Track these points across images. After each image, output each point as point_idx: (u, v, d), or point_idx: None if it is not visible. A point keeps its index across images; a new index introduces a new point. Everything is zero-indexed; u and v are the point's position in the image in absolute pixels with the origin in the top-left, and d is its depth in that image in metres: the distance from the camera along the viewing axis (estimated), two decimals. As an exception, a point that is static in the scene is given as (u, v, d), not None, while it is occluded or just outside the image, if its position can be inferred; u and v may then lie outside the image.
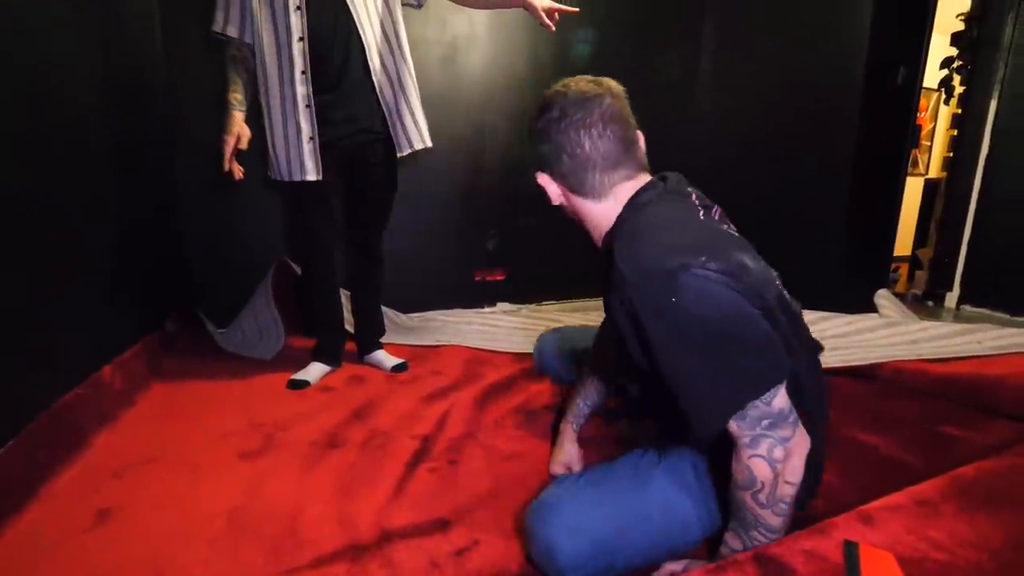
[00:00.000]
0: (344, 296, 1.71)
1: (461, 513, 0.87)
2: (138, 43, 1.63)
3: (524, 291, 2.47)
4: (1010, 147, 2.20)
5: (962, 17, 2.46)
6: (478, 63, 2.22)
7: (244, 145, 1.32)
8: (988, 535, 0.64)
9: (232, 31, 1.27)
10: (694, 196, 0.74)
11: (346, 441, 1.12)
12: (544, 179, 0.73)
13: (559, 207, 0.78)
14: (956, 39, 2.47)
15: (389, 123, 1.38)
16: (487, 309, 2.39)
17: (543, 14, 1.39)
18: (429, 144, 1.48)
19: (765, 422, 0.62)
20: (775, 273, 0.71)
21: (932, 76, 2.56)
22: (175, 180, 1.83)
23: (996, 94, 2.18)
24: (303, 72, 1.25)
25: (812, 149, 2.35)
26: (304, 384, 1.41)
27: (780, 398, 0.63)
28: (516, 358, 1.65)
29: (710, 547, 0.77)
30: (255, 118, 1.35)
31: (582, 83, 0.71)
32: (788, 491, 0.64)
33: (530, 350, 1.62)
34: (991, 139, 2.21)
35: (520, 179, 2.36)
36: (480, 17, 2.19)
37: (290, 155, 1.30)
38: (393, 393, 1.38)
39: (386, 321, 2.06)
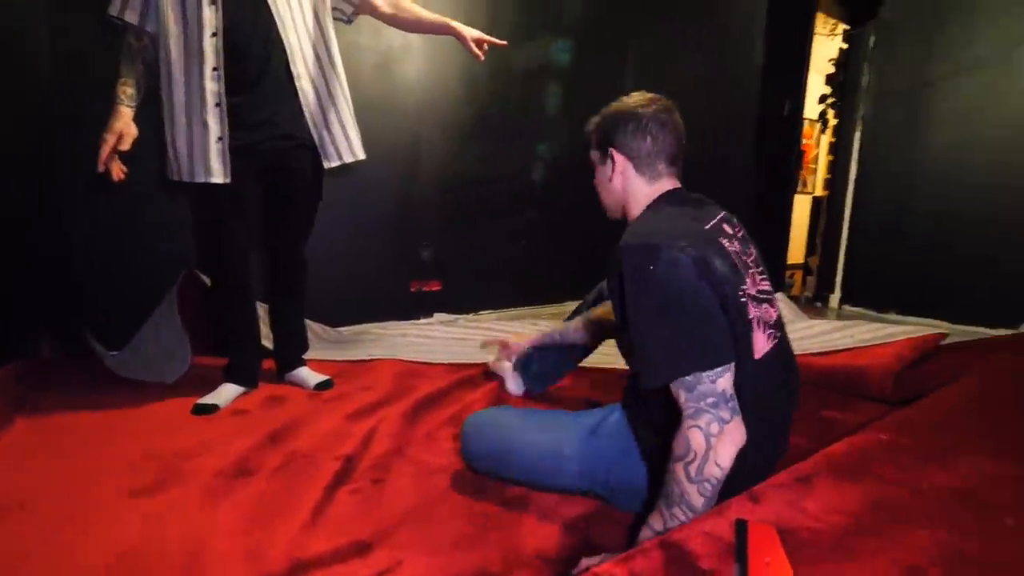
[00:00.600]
0: (261, 310, 1.61)
1: (384, 534, 0.84)
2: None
3: (461, 301, 2.46)
4: (871, 172, 2.59)
5: (833, 61, 2.86)
6: (413, 74, 2.21)
7: (126, 146, 1.20)
8: (850, 501, 0.73)
9: (131, 16, 1.17)
10: (710, 207, 0.87)
11: (259, 468, 1.04)
12: (619, 156, 0.85)
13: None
14: (829, 79, 2.87)
15: (314, 132, 1.33)
16: (423, 320, 2.35)
17: (472, 44, 1.43)
18: (361, 156, 1.44)
19: (709, 399, 0.69)
20: (744, 286, 0.77)
21: (813, 109, 2.95)
22: (58, 178, 1.62)
23: (859, 128, 2.57)
24: (215, 69, 1.18)
25: (717, 169, 2.58)
26: (212, 408, 1.30)
27: (725, 381, 0.70)
28: (452, 369, 1.64)
29: (630, 535, 0.81)
30: (150, 115, 1.25)
31: (662, 98, 0.88)
32: (716, 472, 0.69)
33: (467, 360, 1.62)
34: (857, 165, 2.59)
35: (457, 189, 2.37)
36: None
37: (194, 155, 1.21)
38: (316, 413, 1.31)
39: (312, 336, 1.95)
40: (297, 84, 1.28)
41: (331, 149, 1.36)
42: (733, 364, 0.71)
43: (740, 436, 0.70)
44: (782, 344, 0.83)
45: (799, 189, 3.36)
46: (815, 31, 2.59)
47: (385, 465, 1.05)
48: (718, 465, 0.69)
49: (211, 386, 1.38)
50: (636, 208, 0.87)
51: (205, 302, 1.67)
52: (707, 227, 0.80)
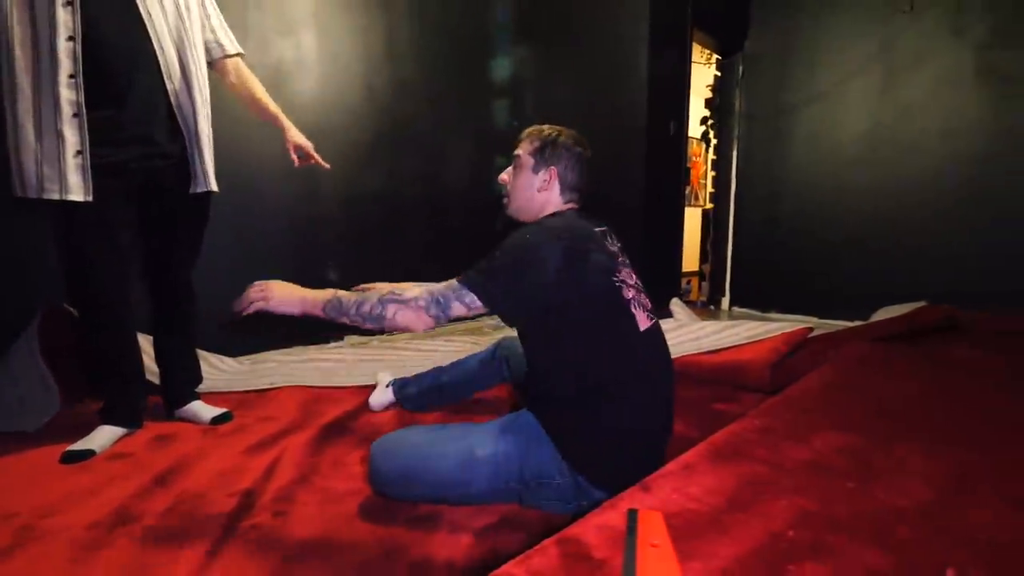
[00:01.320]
0: (145, 341, 1.46)
1: (287, 569, 0.80)
2: None
3: (374, 321, 2.40)
4: (747, 186, 2.97)
5: (710, 87, 3.25)
6: (308, 90, 2.15)
7: None
8: (725, 482, 0.83)
9: None
10: (597, 222, 1.05)
11: (141, 515, 0.94)
12: (555, 172, 1.02)
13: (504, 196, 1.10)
14: (708, 103, 3.25)
15: (188, 149, 1.25)
16: (333, 344, 2.26)
17: (292, 148, 1.44)
18: (216, 189, 1.34)
19: (442, 299, 0.88)
20: (616, 268, 0.96)
21: (696, 129, 3.31)
22: None
23: (735, 146, 2.94)
24: (71, 76, 1.07)
25: (612, 186, 2.80)
26: (87, 454, 1.16)
27: (458, 308, 0.88)
28: (361, 391, 1.59)
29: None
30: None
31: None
32: (388, 314, 0.89)
33: (375, 382, 1.59)
34: (736, 180, 2.96)
35: (360, 206, 2.33)
36: (309, 43, 2.13)
37: (43, 169, 1.09)
38: (209, 449, 1.21)
39: (207, 367, 1.81)
40: (171, 97, 1.20)
41: (199, 172, 1.28)
42: (474, 309, 0.88)
43: (416, 326, 0.88)
44: (658, 327, 1.01)
45: (691, 203, 3.74)
46: (693, 59, 2.92)
47: (288, 496, 1.00)
48: (392, 316, 0.88)
49: (86, 430, 1.23)
50: (544, 213, 1.04)
51: (76, 339, 1.48)
52: (595, 230, 0.99)
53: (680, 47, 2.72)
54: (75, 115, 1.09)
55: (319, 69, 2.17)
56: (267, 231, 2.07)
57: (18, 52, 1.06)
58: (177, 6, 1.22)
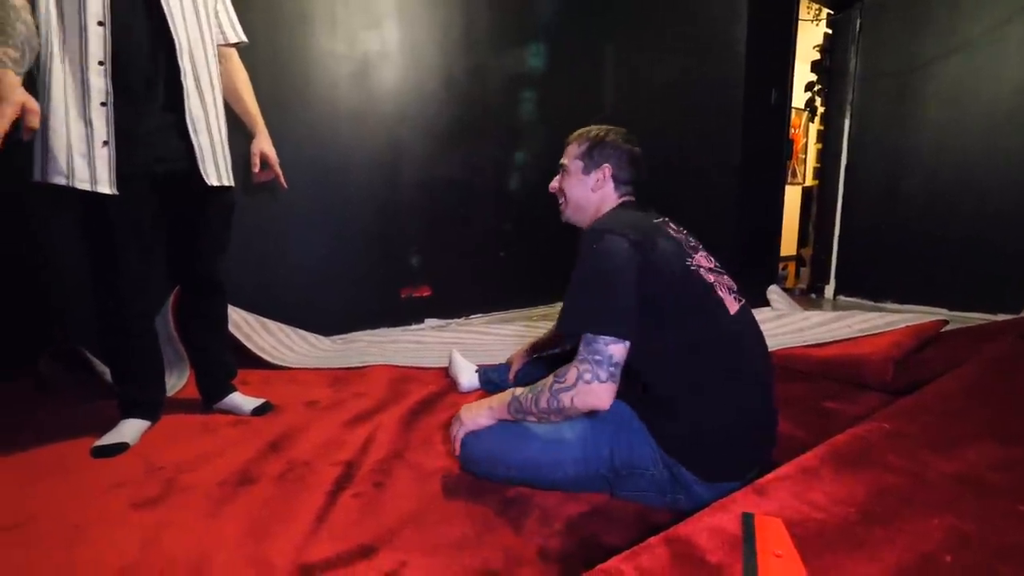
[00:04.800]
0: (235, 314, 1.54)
1: (387, 537, 0.84)
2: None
3: (452, 306, 2.46)
4: (863, 158, 2.59)
5: (817, 48, 2.87)
6: (391, 79, 2.21)
7: (35, 122, 0.96)
8: (854, 491, 0.73)
9: None
10: (653, 214, 1.03)
11: (260, 476, 1.04)
12: (608, 170, 1.02)
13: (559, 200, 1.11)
14: (815, 66, 2.88)
15: (196, 148, 1.18)
16: (415, 326, 2.35)
17: (257, 155, 1.34)
18: (231, 184, 1.27)
19: (596, 356, 0.82)
20: (688, 253, 0.92)
21: (800, 98, 2.96)
22: (25, 198, 1.55)
23: (848, 113, 2.57)
24: (100, 63, 1.04)
25: (702, 160, 2.60)
26: (122, 448, 1.14)
27: (617, 350, 0.82)
28: (444, 373, 1.64)
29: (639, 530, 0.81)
30: None
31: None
32: (564, 404, 0.84)
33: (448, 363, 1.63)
34: (847, 152, 2.60)
35: (441, 193, 2.37)
36: (392, 34, 2.19)
37: (72, 156, 1.04)
38: (313, 421, 1.31)
39: (306, 345, 1.96)
40: (186, 91, 1.15)
41: (211, 168, 1.20)
42: (627, 342, 0.83)
43: (600, 399, 0.82)
44: (748, 310, 0.95)
45: (789, 180, 3.38)
46: (799, 17, 2.59)
47: (385, 469, 1.05)
48: (569, 403, 0.83)
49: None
50: (601, 212, 1.03)
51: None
52: (655, 221, 0.97)
53: (786, 4, 2.41)
54: (103, 104, 1.06)
55: (401, 59, 2.22)
56: (356, 219, 2.18)
57: (53, 24, 1.02)
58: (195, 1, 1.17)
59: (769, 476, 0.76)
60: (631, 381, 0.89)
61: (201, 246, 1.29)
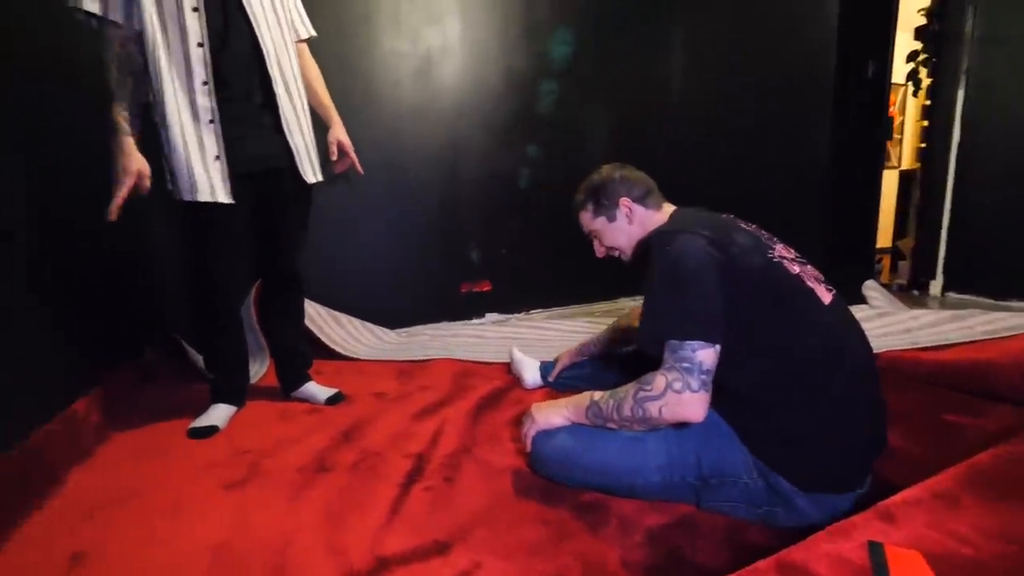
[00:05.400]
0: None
1: (460, 534, 0.83)
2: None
3: (512, 301, 2.44)
4: (979, 134, 2.25)
5: (923, 12, 2.54)
6: (453, 74, 2.21)
7: (147, 185, 1.09)
8: (1012, 525, 0.62)
9: (115, 15, 1.04)
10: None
11: (336, 464, 1.07)
12: (626, 200, 1.01)
13: (593, 235, 1.10)
14: (919, 33, 2.54)
15: (294, 150, 1.25)
16: (475, 321, 2.36)
17: (335, 144, 1.37)
18: (321, 179, 1.34)
19: (685, 364, 0.76)
20: (767, 245, 0.87)
21: (898, 70, 2.63)
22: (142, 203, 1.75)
23: (963, 84, 2.23)
24: (204, 83, 1.10)
25: (787, 143, 2.37)
26: (212, 430, 1.23)
27: (707, 356, 0.76)
28: (507, 369, 1.62)
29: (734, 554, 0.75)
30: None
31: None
32: (651, 414, 0.78)
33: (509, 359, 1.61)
34: (961, 128, 2.26)
35: (500, 186, 2.36)
36: (454, 29, 2.19)
37: (193, 174, 1.13)
38: (382, 412, 1.34)
39: (372, 337, 2.02)
40: (285, 100, 1.22)
41: (307, 162, 1.28)
42: (717, 346, 0.77)
43: (693, 411, 0.76)
44: (842, 300, 0.87)
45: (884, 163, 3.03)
46: None
47: (454, 464, 1.05)
48: (657, 414, 0.77)
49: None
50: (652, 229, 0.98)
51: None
52: (722, 217, 0.93)
53: None
54: (211, 121, 1.12)
55: (462, 53, 2.22)
56: (417, 214, 2.22)
57: (161, 55, 1.07)
58: (276, 9, 1.22)
59: (895, 499, 0.66)
60: (717, 384, 0.83)
61: (283, 243, 1.36)
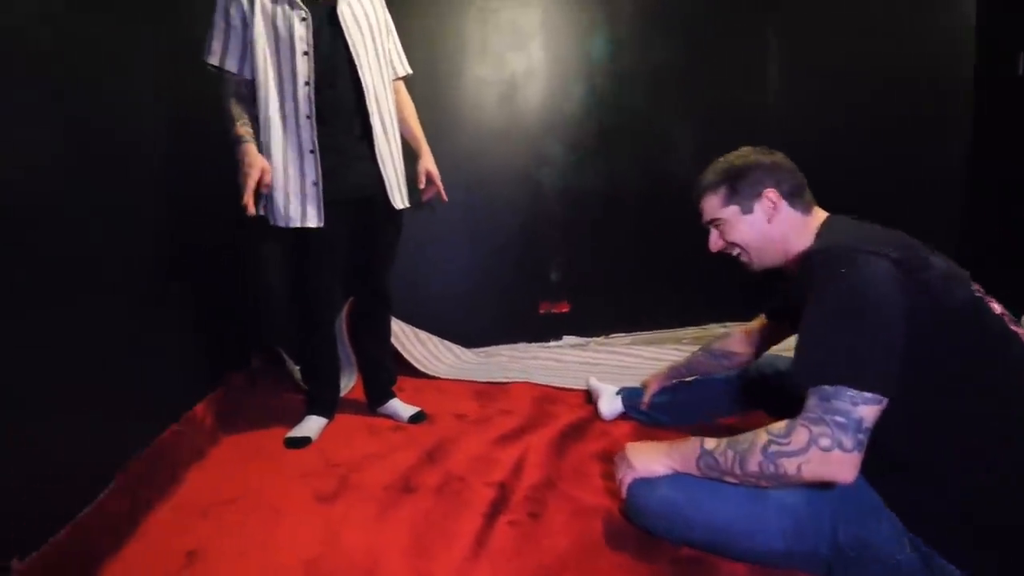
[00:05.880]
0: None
1: (547, 577, 0.78)
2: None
3: (591, 323, 2.37)
4: None
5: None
6: (536, 95, 2.23)
7: (268, 179, 1.20)
8: None
9: (232, 65, 1.20)
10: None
11: (420, 486, 1.08)
12: (772, 193, 0.85)
13: (719, 243, 0.94)
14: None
15: (385, 177, 1.32)
16: (553, 343, 2.31)
17: (423, 175, 1.41)
18: (408, 205, 1.41)
19: (839, 417, 0.64)
20: (966, 273, 0.72)
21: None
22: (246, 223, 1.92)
23: None
24: (308, 117, 1.22)
25: (918, 152, 2.05)
26: (306, 441, 1.31)
27: (868, 411, 0.63)
28: (587, 396, 1.56)
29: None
30: None
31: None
32: (787, 472, 0.66)
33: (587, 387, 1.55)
34: None
35: (581, 205, 2.32)
36: (537, 53, 2.22)
37: (290, 200, 1.24)
38: (464, 434, 1.33)
39: (452, 356, 2.05)
40: (379, 132, 1.30)
41: (396, 188, 1.35)
42: (884, 401, 0.64)
43: (843, 472, 0.64)
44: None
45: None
46: None
47: (539, 498, 1.01)
48: (795, 472, 0.66)
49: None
50: (801, 240, 0.84)
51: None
52: (896, 232, 0.76)
53: None
54: (311, 151, 1.22)
55: (546, 75, 2.24)
56: (499, 233, 2.24)
57: (272, 97, 1.20)
58: (375, 41, 1.30)
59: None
60: (880, 449, 0.69)
61: (373, 263, 1.43)
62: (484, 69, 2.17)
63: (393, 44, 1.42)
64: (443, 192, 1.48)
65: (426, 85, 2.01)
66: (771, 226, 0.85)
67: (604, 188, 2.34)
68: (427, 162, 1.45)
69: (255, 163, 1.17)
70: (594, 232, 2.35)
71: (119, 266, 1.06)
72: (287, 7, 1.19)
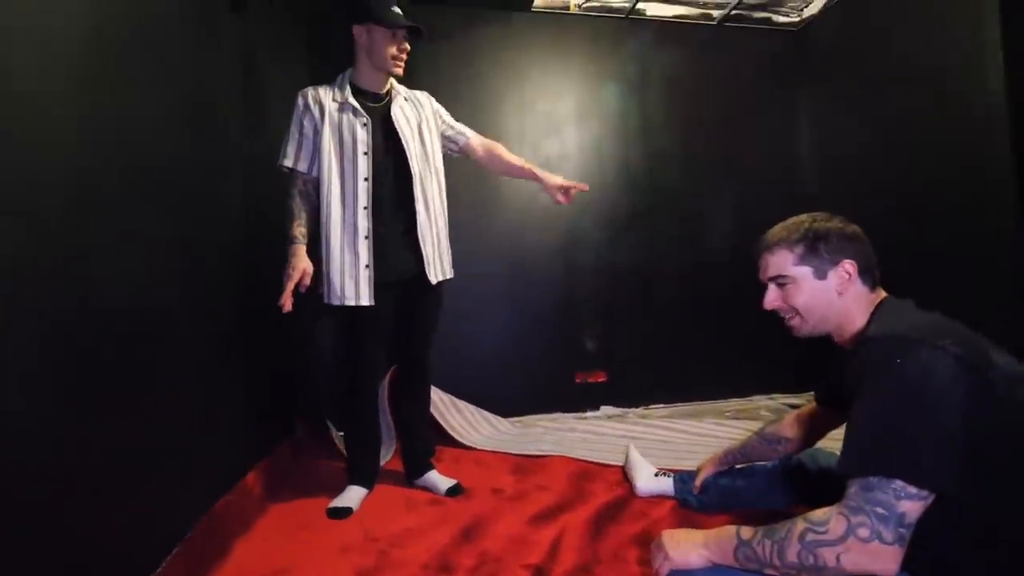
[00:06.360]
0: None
1: (586, 675, 0.76)
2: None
3: (628, 394, 2.34)
4: None
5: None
6: (571, 175, 2.36)
7: (308, 281, 1.33)
8: None
9: (302, 166, 1.39)
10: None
11: (457, 567, 1.08)
12: (851, 265, 0.85)
13: (791, 308, 0.90)
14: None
15: (425, 257, 1.44)
16: (590, 413, 2.29)
17: (556, 191, 1.53)
18: (451, 276, 1.54)
19: (880, 510, 0.63)
20: None
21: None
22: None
23: None
24: (365, 208, 1.37)
25: (961, 227, 1.97)
26: (347, 512, 1.35)
27: (911, 506, 0.63)
28: (623, 472, 1.53)
29: None
30: (312, 248, 1.41)
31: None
32: (827, 562, 0.65)
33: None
34: None
35: (616, 279, 2.38)
36: (571, 136, 2.40)
37: (345, 282, 1.36)
38: (500, 511, 1.33)
39: (489, 427, 2.07)
40: (423, 217, 1.43)
41: (437, 265, 1.47)
42: (930, 498, 0.63)
43: (884, 564, 0.63)
44: None
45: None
46: None
47: (576, 585, 0.98)
48: (835, 562, 0.65)
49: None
50: (860, 317, 0.85)
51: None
52: (955, 323, 0.75)
53: None
54: (366, 238, 1.37)
55: (579, 157, 2.41)
56: (536, 303, 2.32)
57: (334, 190, 1.37)
58: (423, 135, 1.47)
59: None
60: (917, 535, 0.68)
61: (416, 335, 1.53)
62: (522, 152, 2.35)
63: (449, 124, 1.59)
64: (577, 186, 1.55)
65: (469, 170, 2.21)
66: (840, 299, 0.84)
67: (639, 261, 2.41)
68: (552, 179, 1.54)
69: (298, 265, 1.32)
70: (630, 304, 2.39)
71: (188, 343, 1.16)
72: (351, 115, 1.39)
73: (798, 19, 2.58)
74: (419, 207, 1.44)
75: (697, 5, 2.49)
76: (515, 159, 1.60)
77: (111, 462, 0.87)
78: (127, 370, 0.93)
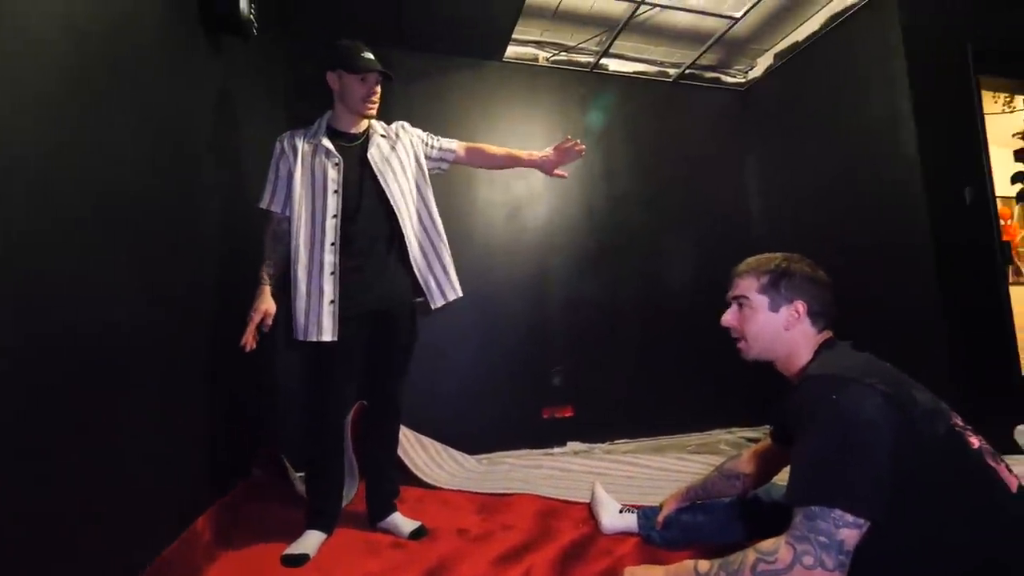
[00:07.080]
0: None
1: None
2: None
3: (595, 429, 2.37)
4: None
5: (1019, 135, 2.49)
6: (539, 215, 2.49)
7: (270, 322, 1.38)
8: None
9: (276, 206, 1.43)
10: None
11: (418, 613, 1.04)
12: (802, 306, 0.93)
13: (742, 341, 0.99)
14: (1019, 155, 2.47)
15: (421, 281, 1.47)
16: (556, 449, 2.29)
17: (549, 166, 1.62)
18: (460, 294, 1.54)
19: (823, 538, 0.69)
20: (947, 408, 0.79)
21: (1005, 188, 2.49)
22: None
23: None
24: (332, 244, 1.39)
25: (886, 291, 2.15)
26: (304, 559, 1.29)
27: (849, 534, 0.69)
28: (589, 510, 1.53)
29: None
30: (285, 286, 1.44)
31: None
32: None
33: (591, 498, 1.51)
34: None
35: (582, 314, 2.45)
36: (538, 179, 2.51)
37: (309, 317, 1.37)
38: (465, 552, 1.30)
39: (454, 464, 2.03)
40: (408, 249, 1.45)
41: (436, 292, 1.49)
42: (866, 526, 0.69)
43: None
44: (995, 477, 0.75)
45: (1012, 279, 2.71)
46: (983, 112, 2.28)
47: (540, 628, 0.97)
48: None
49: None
50: (801, 353, 0.93)
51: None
52: (889, 366, 0.82)
53: (964, 100, 2.12)
54: (332, 273, 1.37)
55: (546, 198, 2.52)
56: (503, 340, 2.35)
57: (302, 228, 1.39)
58: (405, 170, 1.48)
59: None
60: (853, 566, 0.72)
61: (388, 370, 1.51)
62: (492, 194, 2.45)
63: (432, 146, 1.61)
64: (574, 146, 1.61)
65: (442, 205, 2.26)
66: (786, 333, 0.92)
67: (603, 298, 2.50)
68: (536, 158, 1.63)
69: (259, 307, 1.37)
70: (596, 339, 2.45)
71: (145, 376, 1.12)
72: (323, 156, 1.43)
73: (744, 80, 2.84)
74: (410, 241, 1.46)
75: (655, 64, 2.72)
76: (498, 151, 1.65)
77: (40, 512, 0.81)
78: (72, 404, 0.88)
